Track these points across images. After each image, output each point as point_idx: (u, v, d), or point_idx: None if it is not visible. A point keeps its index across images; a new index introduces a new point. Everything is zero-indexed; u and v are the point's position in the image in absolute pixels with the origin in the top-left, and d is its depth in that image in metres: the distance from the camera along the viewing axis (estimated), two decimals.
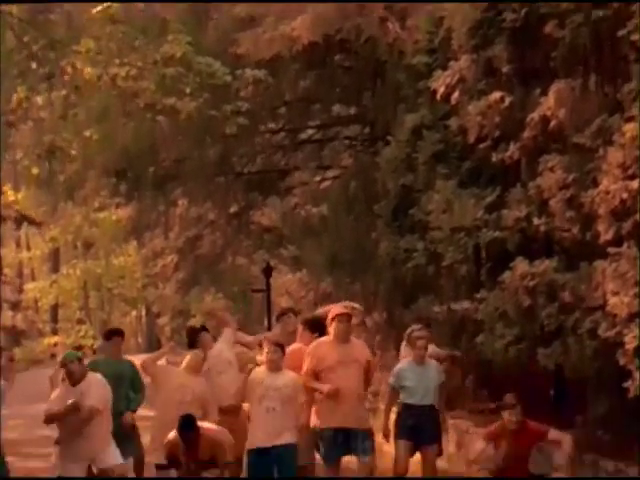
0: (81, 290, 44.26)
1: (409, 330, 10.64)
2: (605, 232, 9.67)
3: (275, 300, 27.99)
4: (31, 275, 47.51)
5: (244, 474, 10.14)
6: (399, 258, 12.62)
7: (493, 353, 10.92)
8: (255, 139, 20.73)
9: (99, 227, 34.37)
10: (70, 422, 9.62)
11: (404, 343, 11.02)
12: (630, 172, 9.37)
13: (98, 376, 9.98)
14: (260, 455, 9.77)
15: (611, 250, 9.57)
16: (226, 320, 11.39)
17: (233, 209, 23.05)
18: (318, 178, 20.97)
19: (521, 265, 10.40)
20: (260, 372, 9.98)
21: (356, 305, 11.06)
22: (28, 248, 46.84)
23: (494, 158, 11.20)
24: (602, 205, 9.63)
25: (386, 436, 10.49)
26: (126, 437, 10.44)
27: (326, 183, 20.16)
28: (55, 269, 45.14)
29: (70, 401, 9.53)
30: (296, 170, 22.04)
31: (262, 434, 9.72)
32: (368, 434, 10.03)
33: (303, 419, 10.01)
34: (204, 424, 9.53)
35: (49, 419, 9.86)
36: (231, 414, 10.51)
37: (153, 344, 43.68)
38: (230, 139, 19.43)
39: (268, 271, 23.50)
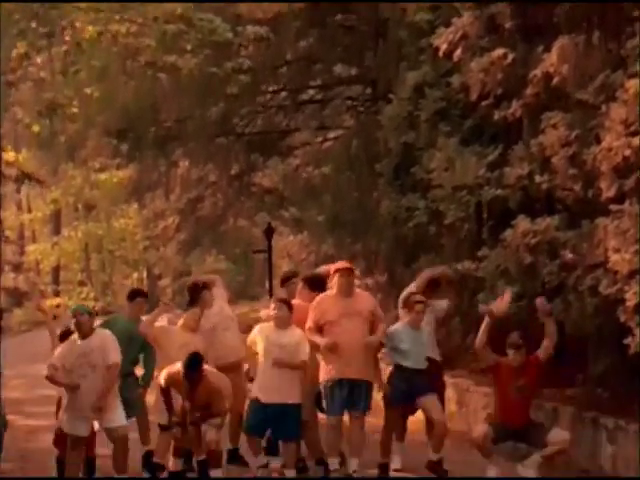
0: (82, 252, 44.31)
1: (406, 294, 10.64)
2: (607, 189, 9.62)
3: (276, 262, 28.02)
4: (32, 237, 47.47)
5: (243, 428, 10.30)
6: (400, 217, 12.59)
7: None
8: (256, 99, 20.66)
9: (100, 189, 34.37)
10: (81, 377, 9.68)
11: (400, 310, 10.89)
12: (633, 129, 9.29)
13: (107, 332, 10.05)
14: (262, 410, 9.88)
15: (613, 207, 9.53)
16: (212, 280, 11.37)
17: (234, 170, 22.99)
18: (319, 139, 20.86)
19: (523, 223, 10.36)
20: (266, 328, 10.14)
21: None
22: (29, 210, 46.80)
23: (496, 116, 11.13)
24: (604, 162, 9.57)
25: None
26: (130, 398, 10.46)
27: (327, 144, 20.08)
28: (56, 231, 45.12)
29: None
30: (297, 131, 21.94)
31: (267, 389, 9.87)
32: (369, 388, 10.18)
33: (308, 375, 10.13)
34: (209, 368, 9.67)
35: (52, 379, 9.85)
36: (233, 371, 10.58)
37: (154, 306, 43.46)
38: (231, 99, 19.39)
39: (269, 232, 23.45)
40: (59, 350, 9.96)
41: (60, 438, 10.29)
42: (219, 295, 11.05)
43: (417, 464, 10.54)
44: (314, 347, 10.12)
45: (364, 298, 10.44)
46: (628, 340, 9.53)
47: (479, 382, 13.07)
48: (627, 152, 9.29)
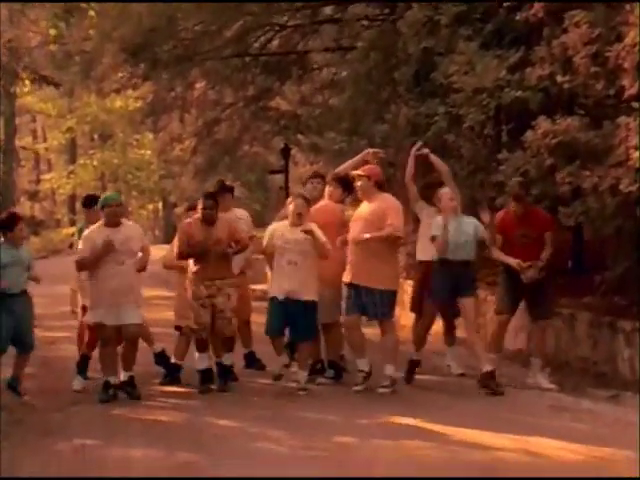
0: (98, 181, 44.32)
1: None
2: (630, 86, 9.54)
3: (292, 188, 27.87)
4: (48, 167, 47.53)
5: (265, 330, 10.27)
6: (420, 125, 12.47)
7: None
8: (273, 18, 20.42)
9: (115, 115, 34.38)
10: (114, 265, 9.79)
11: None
12: None
13: (135, 224, 10.68)
14: (281, 309, 9.92)
15: (635, 105, 9.45)
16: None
17: (251, 92, 22.81)
18: (337, 58, 20.55)
19: (544, 124, 10.26)
20: (281, 226, 10.15)
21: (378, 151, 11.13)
22: (44, 140, 46.83)
23: (518, 17, 10.99)
24: (627, 59, 9.48)
25: None
26: None
27: (344, 66, 19.70)
28: (72, 161, 45.13)
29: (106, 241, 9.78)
30: (314, 52, 21.67)
31: (283, 286, 9.90)
32: (384, 295, 10.01)
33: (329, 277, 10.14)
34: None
35: (86, 262, 9.90)
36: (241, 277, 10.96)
37: (170, 236, 43.70)
38: (248, 18, 19.19)
39: (286, 152, 23.31)
40: (86, 240, 9.99)
41: (83, 336, 10.55)
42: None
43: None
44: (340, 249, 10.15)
45: (385, 204, 10.07)
46: None
47: (495, 292, 13.07)
48: None
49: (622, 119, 9.62)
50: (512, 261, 10.21)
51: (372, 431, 8.37)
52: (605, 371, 10.63)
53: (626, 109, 9.69)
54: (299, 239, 9.87)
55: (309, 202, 10.16)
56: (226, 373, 10.35)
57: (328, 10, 21.01)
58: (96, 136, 44.35)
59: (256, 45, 21.51)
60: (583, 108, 10.57)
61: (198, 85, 23.36)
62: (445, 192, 10.22)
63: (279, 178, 28.98)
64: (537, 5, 10.70)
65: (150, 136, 35.61)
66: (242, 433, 8.48)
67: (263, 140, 26.06)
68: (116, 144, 41.84)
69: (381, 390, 9.88)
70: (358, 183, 10.14)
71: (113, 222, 9.96)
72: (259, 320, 10.79)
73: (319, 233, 9.83)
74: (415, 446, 7.86)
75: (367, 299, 9.93)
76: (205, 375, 10.22)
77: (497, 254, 10.45)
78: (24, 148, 44.45)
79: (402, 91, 12.72)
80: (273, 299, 10.03)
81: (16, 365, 10.08)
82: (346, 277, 10.10)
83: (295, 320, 9.93)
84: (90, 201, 10.97)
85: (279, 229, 10.12)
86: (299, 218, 9.93)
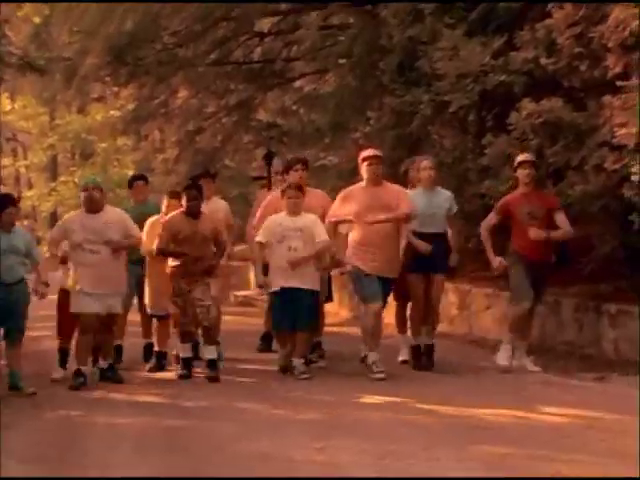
0: (79, 198, 44.00)
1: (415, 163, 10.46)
2: (614, 65, 9.59)
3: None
4: (28, 184, 47.39)
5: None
6: (404, 114, 12.49)
7: (498, 198, 10.82)
8: (254, 26, 20.43)
9: (96, 128, 34.27)
10: (93, 253, 9.48)
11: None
12: None
13: (120, 210, 10.07)
14: (284, 301, 9.81)
15: (619, 83, 9.49)
16: None
17: (233, 101, 22.79)
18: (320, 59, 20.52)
19: (528, 105, 10.32)
20: (279, 216, 9.96)
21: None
22: (25, 158, 46.69)
23: (502, 3, 11.07)
24: (612, 38, 9.53)
25: None
26: None
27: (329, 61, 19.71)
28: (53, 178, 44.96)
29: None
30: (297, 60, 21.70)
31: (284, 274, 9.76)
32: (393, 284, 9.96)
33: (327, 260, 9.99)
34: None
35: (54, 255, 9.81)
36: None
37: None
38: (231, 23, 19.23)
39: (269, 157, 23.23)
40: (62, 226, 9.84)
41: (62, 326, 10.19)
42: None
43: None
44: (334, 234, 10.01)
45: (394, 190, 9.91)
46: (633, 217, 9.54)
47: (480, 285, 13.10)
48: (634, 24, 9.25)
49: (606, 98, 9.66)
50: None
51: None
52: (591, 353, 10.64)
53: (609, 90, 9.72)
54: (299, 225, 9.78)
55: (303, 192, 9.97)
56: (212, 366, 9.88)
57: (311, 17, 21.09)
58: (77, 154, 44.21)
59: (238, 53, 21.55)
60: (568, 90, 10.61)
61: (180, 94, 23.31)
62: (424, 162, 10.22)
63: (261, 193, 28.88)
64: None
65: (131, 156, 35.47)
66: (229, 406, 8.45)
67: (245, 150, 26.01)
68: (97, 161, 41.65)
69: (379, 375, 9.59)
70: (371, 166, 9.78)
71: (90, 207, 9.64)
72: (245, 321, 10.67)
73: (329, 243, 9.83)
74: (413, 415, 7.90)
75: (387, 289, 9.93)
76: (186, 362, 9.99)
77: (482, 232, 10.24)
78: (4, 167, 44.29)
79: (387, 81, 12.72)
80: (275, 293, 9.92)
81: (9, 359, 9.44)
82: (371, 268, 9.69)
83: (297, 309, 9.74)
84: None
85: (277, 218, 9.94)
86: (297, 207, 9.85)
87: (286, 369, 9.92)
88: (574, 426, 7.39)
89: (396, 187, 9.97)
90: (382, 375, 9.51)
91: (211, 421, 7.74)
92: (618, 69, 9.53)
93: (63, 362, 10.19)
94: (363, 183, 9.88)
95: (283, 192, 9.98)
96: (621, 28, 9.40)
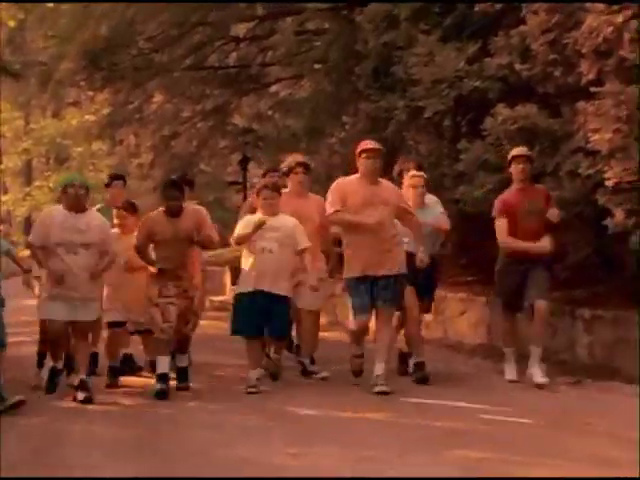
0: (54, 203, 43.88)
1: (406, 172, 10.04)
2: (588, 72, 9.64)
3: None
4: (3, 189, 47.17)
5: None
6: (379, 119, 12.53)
7: (473, 204, 10.90)
8: (230, 32, 20.43)
9: (71, 133, 34.22)
10: (70, 254, 8.88)
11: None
12: (614, 7, 9.33)
13: (100, 215, 9.38)
14: (251, 303, 9.16)
15: (593, 89, 9.55)
16: None
17: (209, 106, 22.80)
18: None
19: (503, 111, 10.38)
20: (254, 216, 9.39)
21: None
22: None
23: (476, 8, 11.12)
24: (585, 44, 9.58)
25: None
26: None
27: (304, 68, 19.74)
28: (28, 183, 44.84)
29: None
30: (272, 65, 21.74)
31: (255, 276, 9.17)
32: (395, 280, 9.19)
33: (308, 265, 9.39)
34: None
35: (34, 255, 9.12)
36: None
37: None
38: (207, 28, 19.23)
39: (244, 162, 23.32)
40: (42, 222, 9.17)
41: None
42: None
43: None
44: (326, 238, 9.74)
45: (390, 187, 9.38)
46: (607, 221, 9.58)
47: (454, 290, 13.16)
48: (608, 31, 9.30)
49: (580, 104, 9.72)
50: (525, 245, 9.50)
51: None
52: (565, 359, 10.68)
53: (584, 96, 9.78)
54: (275, 226, 9.20)
55: (279, 192, 9.42)
56: (182, 374, 9.56)
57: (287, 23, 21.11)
58: (52, 158, 44.11)
59: (214, 58, 21.56)
60: (542, 96, 10.67)
61: (156, 99, 23.28)
62: (414, 179, 9.82)
63: (237, 198, 28.92)
64: None
65: (106, 160, 35.39)
66: (204, 409, 8.45)
67: (221, 155, 26.02)
68: (72, 166, 41.52)
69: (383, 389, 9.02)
70: (369, 160, 9.16)
71: (75, 206, 9.03)
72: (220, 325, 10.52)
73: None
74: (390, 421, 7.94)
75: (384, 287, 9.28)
76: (162, 378, 9.18)
77: (505, 241, 9.65)
78: None
79: (362, 86, 12.76)
80: (241, 293, 9.30)
81: None
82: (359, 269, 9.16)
83: (268, 315, 9.17)
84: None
85: (252, 220, 9.34)
86: (273, 208, 9.28)
87: (277, 377, 9.64)
88: (549, 431, 7.43)
89: (391, 185, 9.45)
90: (385, 388, 8.95)
91: (186, 428, 7.71)
92: (592, 75, 9.58)
93: (40, 365, 9.84)
94: (358, 176, 9.26)
95: (258, 193, 9.48)
96: (595, 34, 9.44)
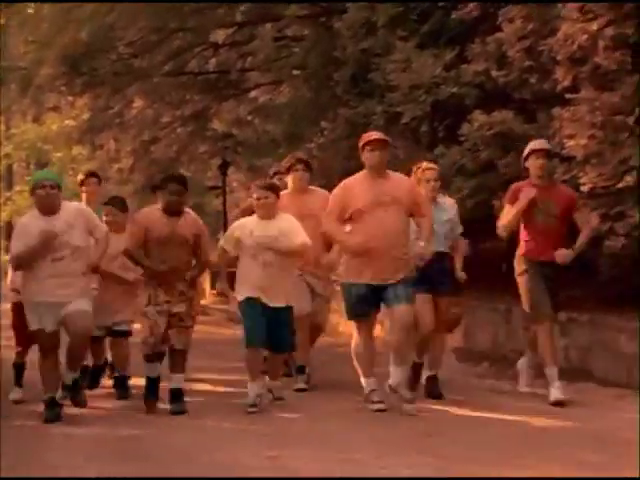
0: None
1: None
2: (563, 78, 9.79)
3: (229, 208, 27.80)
4: None
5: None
6: (358, 125, 12.61)
7: None
8: (210, 37, 20.51)
9: (52, 138, 34.12)
10: (54, 260, 8.07)
11: None
12: (590, 15, 9.47)
13: (74, 203, 8.61)
14: (260, 310, 8.49)
15: (568, 96, 9.69)
16: None
17: (188, 112, 22.88)
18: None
19: (480, 117, 10.50)
20: (248, 222, 8.66)
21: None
22: None
23: (453, 16, 11.25)
24: (561, 51, 9.73)
25: None
26: None
27: (283, 87, 19.82)
28: (9, 187, 44.74)
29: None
30: (252, 70, 21.82)
31: (255, 290, 8.47)
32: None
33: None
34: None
35: (22, 260, 8.15)
36: None
37: None
38: (187, 33, 19.30)
39: (224, 167, 23.38)
40: (19, 233, 8.21)
41: (19, 334, 9.23)
42: None
43: None
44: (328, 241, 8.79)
45: (403, 181, 8.46)
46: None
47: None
48: (583, 38, 9.44)
49: (556, 110, 9.86)
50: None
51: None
52: (541, 362, 10.77)
53: (559, 102, 9.91)
54: (272, 233, 8.44)
55: (276, 192, 8.64)
56: (177, 397, 8.62)
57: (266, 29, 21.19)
58: (32, 163, 44.02)
59: (194, 64, 21.63)
60: (518, 102, 10.80)
61: (136, 104, 23.33)
62: (428, 172, 8.92)
63: (217, 202, 28.98)
64: (472, 5, 10.96)
65: (86, 165, 35.30)
66: (182, 417, 8.48)
67: (201, 160, 26.06)
68: (53, 168, 41.45)
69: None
70: (374, 152, 8.30)
71: (47, 209, 8.10)
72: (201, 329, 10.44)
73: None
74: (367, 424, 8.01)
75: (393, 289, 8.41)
76: (152, 384, 8.60)
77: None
78: None
79: (340, 92, 12.87)
80: (248, 300, 8.46)
81: None
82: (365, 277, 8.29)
83: (275, 329, 8.49)
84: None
85: (246, 226, 8.58)
86: (268, 211, 8.51)
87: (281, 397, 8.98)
88: (525, 432, 7.52)
89: (402, 177, 8.57)
90: (381, 406, 8.36)
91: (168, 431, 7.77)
92: (567, 82, 9.74)
93: (19, 379, 9.47)
94: (364, 172, 8.44)
95: (252, 194, 8.82)
96: (570, 42, 9.60)
